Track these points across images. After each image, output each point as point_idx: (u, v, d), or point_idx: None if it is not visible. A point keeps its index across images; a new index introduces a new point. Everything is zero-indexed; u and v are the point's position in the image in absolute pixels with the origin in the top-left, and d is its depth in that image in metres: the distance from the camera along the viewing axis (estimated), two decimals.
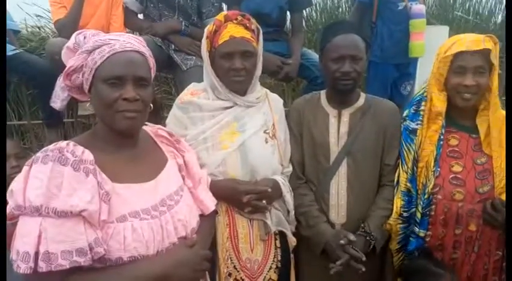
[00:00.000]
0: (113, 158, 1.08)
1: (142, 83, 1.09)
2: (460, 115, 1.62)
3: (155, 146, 1.25)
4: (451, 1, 4.94)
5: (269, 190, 1.52)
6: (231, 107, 1.60)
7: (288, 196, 1.64)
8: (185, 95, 1.65)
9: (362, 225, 1.64)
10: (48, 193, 0.92)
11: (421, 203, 1.59)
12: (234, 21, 1.55)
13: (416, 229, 1.61)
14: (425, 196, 1.58)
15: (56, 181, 0.94)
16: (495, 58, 1.52)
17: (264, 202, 1.53)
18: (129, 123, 1.08)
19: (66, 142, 1.01)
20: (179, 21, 2.48)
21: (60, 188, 0.93)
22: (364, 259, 1.52)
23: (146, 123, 1.23)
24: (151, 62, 1.15)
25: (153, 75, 1.16)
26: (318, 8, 5.05)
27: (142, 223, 1.04)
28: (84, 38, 1.10)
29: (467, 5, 5.02)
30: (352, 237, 1.55)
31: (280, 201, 1.64)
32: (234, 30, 1.53)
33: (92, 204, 0.95)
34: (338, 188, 1.68)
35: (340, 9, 4.74)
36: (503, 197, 1.52)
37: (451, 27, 3.98)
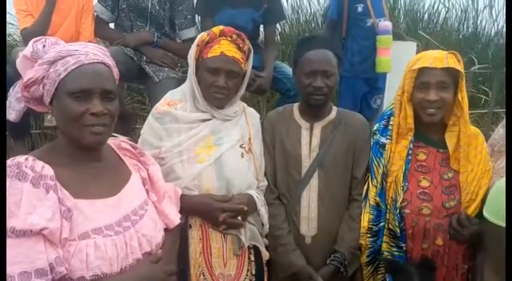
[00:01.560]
0: (75, 173, 1.04)
1: (109, 96, 1.06)
2: (429, 130, 1.65)
3: (118, 159, 1.21)
4: (420, 17, 5.14)
5: (245, 208, 1.52)
6: (208, 119, 1.60)
7: (263, 210, 1.63)
8: (162, 105, 1.63)
9: (334, 253, 1.66)
10: (7, 212, 0.88)
11: (396, 218, 1.61)
12: (229, 38, 1.57)
13: (400, 243, 1.62)
14: (397, 211, 1.61)
15: (14, 198, 0.89)
16: (461, 74, 1.56)
17: (239, 218, 1.52)
18: (97, 138, 1.05)
19: (24, 156, 0.97)
20: (151, 33, 2.46)
21: (19, 205, 0.89)
22: None
23: (114, 135, 1.20)
24: (116, 72, 1.13)
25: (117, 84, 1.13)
26: (291, 22, 5.16)
27: (106, 239, 1.00)
28: (44, 46, 1.05)
29: (435, 21, 5.24)
30: None
31: (255, 215, 1.63)
32: (226, 48, 1.54)
33: (52, 222, 0.92)
34: (309, 201, 1.69)
35: (313, 24, 4.84)
36: (469, 211, 1.56)
37: (421, 43, 4.15)
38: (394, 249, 1.65)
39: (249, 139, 1.66)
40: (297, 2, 5.20)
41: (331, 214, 1.70)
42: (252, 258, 1.62)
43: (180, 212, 1.38)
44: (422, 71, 1.55)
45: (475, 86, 4.44)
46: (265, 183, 1.71)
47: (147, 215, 1.15)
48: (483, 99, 4.36)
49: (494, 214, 1.36)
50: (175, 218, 1.29)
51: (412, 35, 4.58)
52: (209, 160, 1.54)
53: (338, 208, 1.72)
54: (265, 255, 1.67)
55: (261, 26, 2.67)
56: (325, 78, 1.64)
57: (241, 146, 1.62)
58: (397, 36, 3.02)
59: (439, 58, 1.53)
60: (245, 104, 1.76)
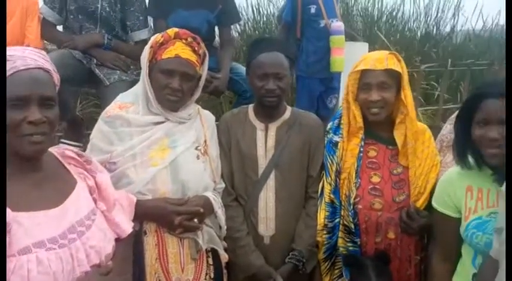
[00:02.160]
0: (14, 184, 0.98)
1: (49, 103, 1.01)
2: (378, 128, 1.70)
3: (62, 168, 1.16)
4: (376, 18, 5.33)
5: (201, 210, 1.51)
6: (162, 122, 1.57)
7: (220, 212, 1.63)
8: (112, 109, 1.59)
9: (292, 251, 1.68)
10: None
11: (350, 214, 1.65)
12: (184, 40, 1.56)
13: (355, 238, 1.67)
14: (351, 207, 1.65)
15: None
16: (404, 73, 1.62)
17: (195, 220, 1.51)
18: (36, 148, 1.00)
19: None
20: (101, 35, 2.38)
21: None
22: None
23: (66, 142, 1.15)
24: (56, 78, 1.08)
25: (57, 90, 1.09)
26: (253, 22, 5.19)
27: (49, 253, 0.96)
28: None
29: (390, 21, 5.45)
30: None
31: (212, 217, 1.62)
32: (181, 50, 1.53)
33: None
34: (267, 201, 1.71)
35: (274, 25, 4.91)
36: (418, 204, 1.62)
37: (376, 43, 4.30)
38: (349, 244, 1.69)
39: (205, 141, 1.66)
40: (258, 3, 5.26)
41: (289, 213, 1.72)
42: (211, 261, 1.61)
43: (134, 218, 1.35)
44: (364, 72, 1.60)
45: (429, 84, 4.65)
46: (223, 185, 1.71)
47: (95, 226, 1.11)
48: (436, 96, 4.56)
49: (441, 203, 1.44)
50: (127, 227, 1.25)
51: (368, 35, 4.76)
52: (163, 163, 1.52)
53: (295, 207, 1.74)
54: (224, 258, 1.66)
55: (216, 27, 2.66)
56: (277, 80, 1.66)
57: (196, 149, 1.61)
58: (350, 37, 3.10)
59: (379, 60, 1.59)
60: (200, 107, 1.75)
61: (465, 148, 1.34)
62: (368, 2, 5.48)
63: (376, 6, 5.47)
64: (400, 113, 1.65)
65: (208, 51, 2.53)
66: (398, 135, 1.66)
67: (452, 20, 5.55)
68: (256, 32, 5.07)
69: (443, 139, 1.81)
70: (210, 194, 1.60)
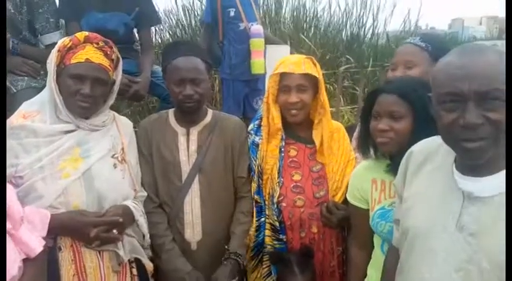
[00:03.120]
0: None
1: None
2: (297, 128, 1.77)
3: None
4: (302, 22, 5.56)
5: (120, 220, 1.45)
6: (72, 130, 1.49)
7: (142, 220, 1.58)
8: (16, 118, 1.47)
9: (227, 247, 1.68)
10: None
11: (274, 212, 1.70)
12: (95, 44, 1.49)
13: (280, 236, 1.71)
14: (275, 206, 1.70)
15: None
16: (320, 76, 1.70)
17: (114, 231, 1.45)
18: None
19: None
20: (7, 39, 2.20)
21: None
22: None
23: None
24: None
25: None
26: (183, 25, 5.14)
27: None
28: None
29: (318, 24, 5.67)
30: None
31: (134, 226, 1.57)
32: (92, 54, 1.47)
33: None
34: (192, 206, 1.69)
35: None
36: (337, 198, 1.70)
37: (303, 47, 4.46)
38: (275, 242, 1.73)
39: (122, 149, 1.60)
40: (190, 5, 5.24)
41: (216, 216, 1.72)
42: (135, 272, 1.57)
43: (48, 233, 1.27)
44: (283, 75, 1.66)
45: (352, 83, 4.93)
46: (144, 193, 1.67)
47: None
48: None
49: (352, 196, 1.53)
50: (37, 246, 1.18)
51: (295, 39, 4.94)
52: (76, 174, 1.44)
53: (222, 210, 1.74)
54: (149, 267, 1.62)
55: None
56: (195, 85, 1.65)
57: (113, 157, 1.56)
58: (270, 40, 3.18)
59: (297, 63, 1.65)
60: (116, 113, 1.69)
61: (366, 139, 1.45)
62: (295, 7, 5.70)
63: (303, 11, 5.71)
64: (317, 113, 1.72)
65: (128, 55, 2.52)
66: (316, 135, 1.73)
67: (373, 23, 5.96)
68: (187, 34, 5.04)
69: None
70: (129, 203, 1.55)
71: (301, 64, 1.65)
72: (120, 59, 1.61)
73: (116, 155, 1.56)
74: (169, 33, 5.35)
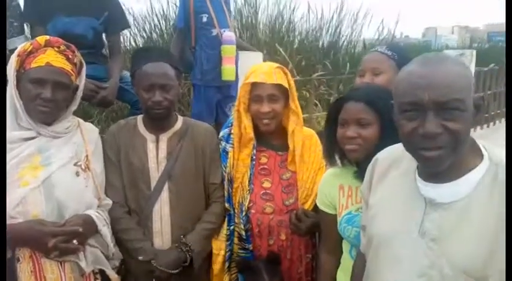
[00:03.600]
0: None
1: None
2: (269, 135, 1.76)
3: None
4: (279, 29, 5.63)
5: (80, 229, 1.40)
6: (33, 137, 1.44)
7: (105, 230, 1.53)
8: None
9: (181, 237, 1.64)
10: None
11: (242, 220, 1.68)
12: (56, 48, 1.45)
13: (246, 245, 1.69)
14: (243, 214, 1.68)
15: None
16: (291, 85, 1.70)
17: (75, 242, 1.40)
18: None
19: None
20: None
21: None
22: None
23: None
24: None
25: None
26: (160, 29, 5.12)
27: None
28: None
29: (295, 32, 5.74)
30: None
31: (97, 236, 1.52)
32: (53, 58, 1.43)
33: None
34: (161, 214, 1.66)
35: None
36: (307, 206, 1.70)
37: (279, 55, 4.50)
38: (240, 251, 1.72)
39: (86, 156, 1.56)
40: (163, 10, 5.25)
41: (186, 225, 1.69)
42: None
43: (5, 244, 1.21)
44: (255, 85, 1.65)
45: (329, 90, 5.00)
46: (109, 201, 1.62)
47: None
48: None
49: (321, 202, 1.54)
50: None
51: (272, 46, 4.98)
52: (35, 182, 1.39)
53: (193, 218, 1.71)
54: (114, 278, 1.57)
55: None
56: (164, 92, 1.62)
57: (75, 165, 1.51)
58: (243, 47, 3.18)
59: (268, 73, 1.64)
60: (80, 119, 1.64)
61: (332, 147, 1.46)
62: (272, 15, 5.78)
63: (280, 18, 5.79)
64: (291, 121, 1.71)
65: (96, 60, 2.47)
66: (291, 143, 1.72)
67: (350, 31, 6.14)
68: (163, 39, 5.02)
69: None
70: (92, 212, 1.50)
71: (272, 74, 1.65)
72: (84, 64, 1.57)
73: (78, 163, 1.52)
74: (144, 39, 5.34)
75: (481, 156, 0.96)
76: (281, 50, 4.95)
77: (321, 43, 5.98)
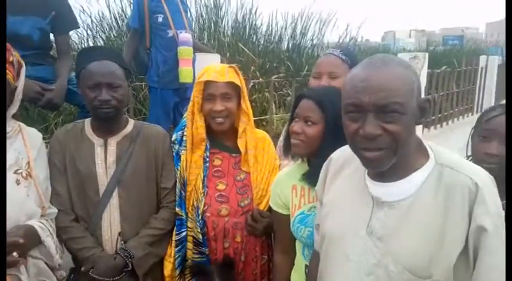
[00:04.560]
0: None
1: None
2: (222, 137, 1.74)
3: None
4: (242, 32, 5.66)
5: (21, 240, 1.32)
6: None
7: (49, 240, 1.46)
8: None
9: (122, 243, 1.59)
10: None
11: (198, 224, 1.65)
12: None
13: (203, 249, 1.66)
14: (199, 217, 1.65)
15: None
16: (243, 85, 1.69)
17: (15, 254, 1.32)
18: None
19: None
20: None
21: None
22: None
23: None
24: None
25: None
26: (115, 31, 5.03)
27: None
28: None
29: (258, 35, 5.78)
30: None
31: (41, 247, 1.44)
32: None
33: None
34: (111, 221, 1.60)
35: None
36: (262, 206, 1.70)
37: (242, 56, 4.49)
38: (196, 256, 1.68)
39: (28, 163, 1.47)
40: (122, 11, 5.23)
41: (136, 230, 1.63)
42: None
43: None
44: (208, 84, 1.63)
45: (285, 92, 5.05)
46: (54, 210, 1.55)
47: None
48: None
49: (274, 203, 1.54)
50: None
51: (235, 48, 4.98)
52: None
53: (144, 224, 1.66)
54: None
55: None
56: (111, 91, 1.57)
57: (16, 172, 1.42)
58: (200, 49, 3.14)
59: (220, 72, 1.64)
60: (22, 124, 1.55)
61: (288, 140, 1.47)
62: (235, 19, 5.80)
63: (242, 22, 5.83)
64: (242, 122, 1.71)
65: (44, 61, 2.36)
66: (241, 144, 1.72)
67: (313, 34, 6.27)
68: (121, 40, 4.91)
69: (281, 145, 1.93)
70: (34, 222, 1.42)
71: (225, 73, 1.64)
72: (23, 64, 1.49)
73: (19, 171, 1.44)
74: (102, 39, 5.23)
75: (427, 156, 0.98)
76: (245, 49, 4.96)
77: (285, 46, 6.07)
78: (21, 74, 1.48)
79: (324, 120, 1.36)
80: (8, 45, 1.42)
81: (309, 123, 1.37)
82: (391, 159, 0.94)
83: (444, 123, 5.60)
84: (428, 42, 14.53)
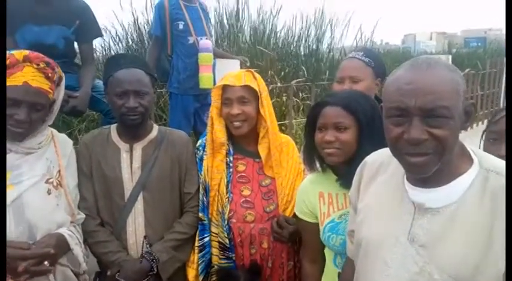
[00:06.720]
0: None
1: None
2: (245, 142, 1.73)
3: None
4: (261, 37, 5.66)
5: (52, 251, 1.34)
6: None
7: (77, 248, 1.47)
8: None
9: (147, 247, 1.59)
10: None
11: (224, 229, 1.63)
12: (35, 65, 1.36)
13: (230, 254, 1.64)
14: (225, 222, 1.63)
15: None
16: (261, 89, 1.67)
17: (46, 263, 1.33)
18: None
19: None
20: None
21: None
22: None
23: None
24: None
25: None
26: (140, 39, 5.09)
27: None
28: None
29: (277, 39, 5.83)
30: None
31: (69, 254, 1.45)
32: (30, 77, 1.35)
33: None
34: (135, 226, 1.61)
35: None
36: (287, 212, 1.66)
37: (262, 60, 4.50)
38: (223, 261, 1.67)
39: (59, 172, 1.49)
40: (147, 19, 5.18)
41: (160, 234, 1.64)
42: None
43: None
44: (225, 88, 1.64)
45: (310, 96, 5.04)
46: (83, 215, 1.57)
47: None
48: None
49: (300, 210, 1.51)
50: None
51: (253, 53, 4.96)
52: None
53: (168, 229, 1.67)
54: None
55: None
56: (138, 98, 1.58)
57: (47, 182, 1.44)
58: (220, 55, 3.15)
59: (237, 77, 1.65)
60: (54, 130, 1.57)
61: (311, 152, 1.44)
62: (254, 24, 5.84)
63: (262, 27, 5.86)
64: (262, 127, 1.70)
65: (69, 70, 2.39)
66: (262, 149, 1.70)
67: (330, 39, 6.25)
68: (143, 49, 4.99)
69: None
70: (64, 231, 1.44)
71: (242, 77, 1.64)
72: (63, 77, 1.50)
73: (50, 180, 1.45)
74: (123, 46, 5.31)
75: (471, 161, 0.95)
76: (266, 50, 4.96)
77: (302, 50, 6.05)
78: (60, 85, 1.50)
79: (356, 124, 1.33)
80: (52, 63, 1.42)
81: (341, 129, 1.33)
82: (436, 164, 0.90)
83: (469, 127, 5.47)
84: (450, 45, 14.26)
